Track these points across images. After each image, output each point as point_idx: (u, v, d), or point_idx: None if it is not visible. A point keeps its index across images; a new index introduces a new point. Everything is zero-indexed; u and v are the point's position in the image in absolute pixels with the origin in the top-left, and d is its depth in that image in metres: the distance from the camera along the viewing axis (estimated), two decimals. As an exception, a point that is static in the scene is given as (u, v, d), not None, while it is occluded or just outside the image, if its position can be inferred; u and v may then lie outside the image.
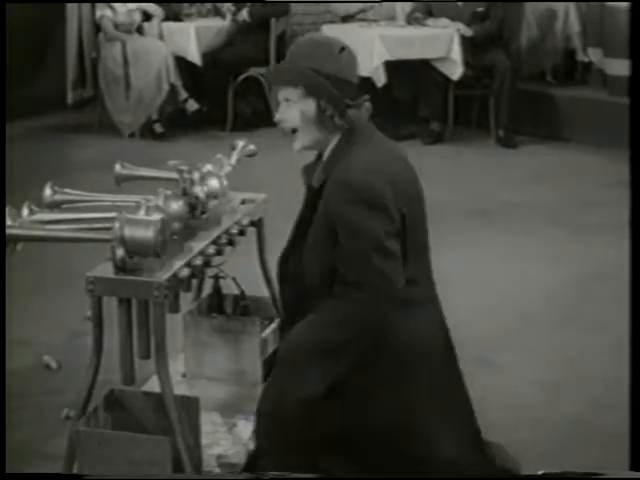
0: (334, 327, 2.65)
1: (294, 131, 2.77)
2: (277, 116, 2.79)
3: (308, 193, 2.86)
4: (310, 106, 2.71)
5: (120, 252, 2.67)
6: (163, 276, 2.70)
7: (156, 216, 2.74)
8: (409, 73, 7.85)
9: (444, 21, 7.65)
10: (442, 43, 7.50)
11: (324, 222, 2.71)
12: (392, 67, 7.46)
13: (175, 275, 2.75)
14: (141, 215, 2.76)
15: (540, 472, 2.88)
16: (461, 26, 7.56)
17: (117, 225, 2.66)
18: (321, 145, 2.78)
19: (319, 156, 2.83)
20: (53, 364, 3.86)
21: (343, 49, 2.72)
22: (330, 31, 7.80)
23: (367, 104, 2.77)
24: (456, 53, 7.46)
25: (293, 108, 2.73)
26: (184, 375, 3.44)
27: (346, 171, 2.66)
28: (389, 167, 2.71)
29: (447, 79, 7.59)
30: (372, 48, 7.32)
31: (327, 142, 2.76)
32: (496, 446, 2.98)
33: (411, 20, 7.79)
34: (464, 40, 7.50)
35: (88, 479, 2.72)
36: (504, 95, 7.59)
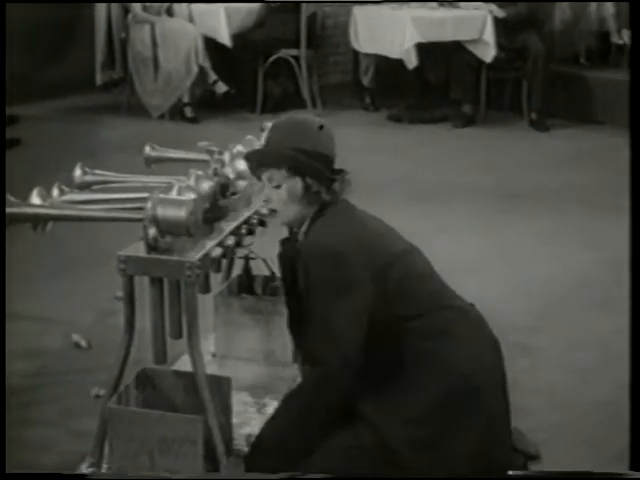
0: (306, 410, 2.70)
1: (273, 211, 2.86)
2: (263, 196, 2.86)
3: (284, 264, 2.88)
4: (296, 185, 2.73)
5: (152, 231, 2.67)
6: (195, 256, 2.70)
7: (188, 196, 2.74)
8: (441, 55, 7.80)
9: (476, 2, 7.59)
10: (474, 25, 7.43)
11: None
12: (424, 49, 7.40)
13: (207, 255, 2.75)
14: (174, 195, 2.76)
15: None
16: (493, 7, 7.49)
17: (150, 205, 2.65)
18: (302, 220, 2.80)
19: (292, 229, 2.86)
20: (83, 343, 3.87)
21: (322, 127, 2.74)
22: (361, 12, 7.78)
23: (347, 177, 2.78)
24: (489, 35, 7.39)
25: (279, 189, 2.76)
26: (214, 355, 3.45)
27: (314, 240, 2.71)
28: (358, 233, 2.72)
29: (479, 61, 7.53)
30: (404, 30, 7.23)
31: (307, 217, 2.78)
32: (516, 431, 2.96)
33: (443, 1, 7.74)
34: (497, 22, 7.43)
35: (91, 478, 2.73)
36: (537, 77, 7.52)
